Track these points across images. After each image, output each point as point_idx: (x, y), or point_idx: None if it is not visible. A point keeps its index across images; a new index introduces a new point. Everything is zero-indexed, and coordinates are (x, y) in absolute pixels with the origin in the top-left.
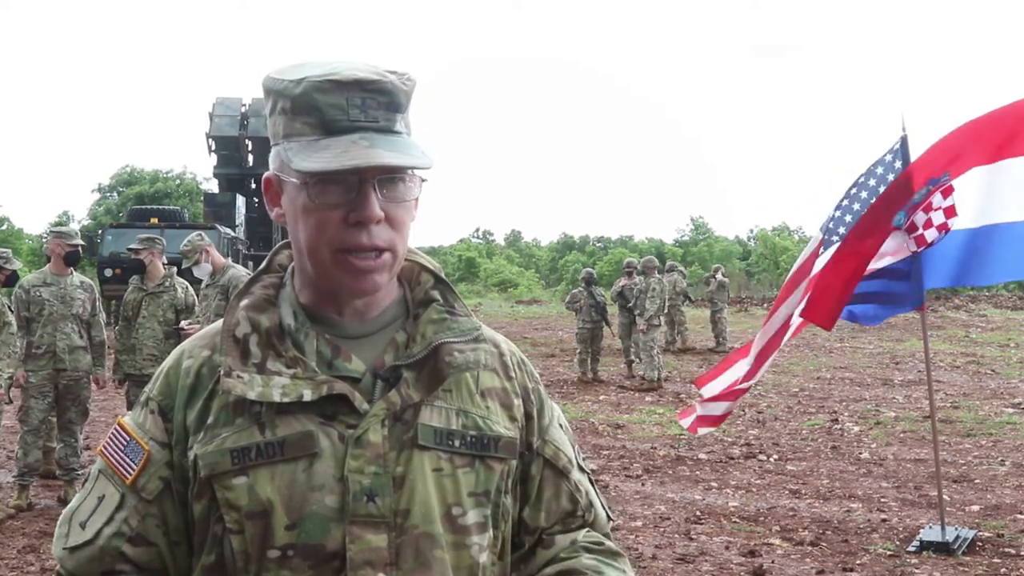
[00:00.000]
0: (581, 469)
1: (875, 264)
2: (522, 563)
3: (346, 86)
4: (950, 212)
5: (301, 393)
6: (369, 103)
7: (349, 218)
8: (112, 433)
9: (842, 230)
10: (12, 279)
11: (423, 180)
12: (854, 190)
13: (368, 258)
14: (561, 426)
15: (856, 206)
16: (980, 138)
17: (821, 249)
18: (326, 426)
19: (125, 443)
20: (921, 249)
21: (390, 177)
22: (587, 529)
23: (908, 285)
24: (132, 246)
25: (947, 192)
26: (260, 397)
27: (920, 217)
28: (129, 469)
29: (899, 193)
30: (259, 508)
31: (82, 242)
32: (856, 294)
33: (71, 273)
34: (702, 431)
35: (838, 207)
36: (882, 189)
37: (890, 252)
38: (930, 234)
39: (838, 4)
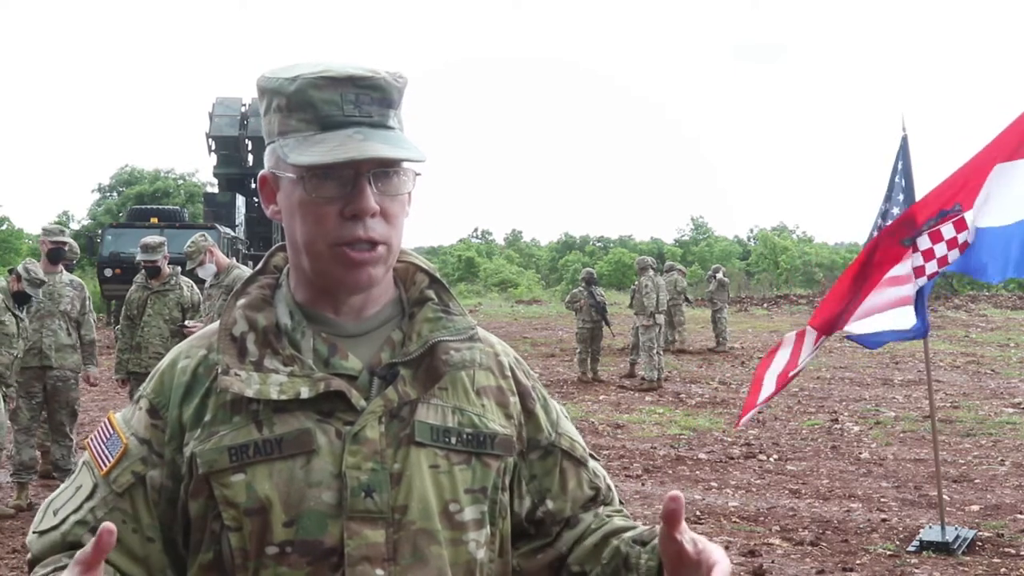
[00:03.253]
0: (593, 457)
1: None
2: (549, 547)
3: (340, 82)
4: (952, 244)
5: (298, 391)
6: (363, 99)
7: (345, 211)
8: (100, 426)
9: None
10: (24, 299)
11: (416, 174)
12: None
13: (364, 250)
14: (566, 417)
15: (879, 220)
16: (993, 157)
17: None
18: (323, 423)
19: (108, 436)
20: (919, 280)
21: (384, 171)
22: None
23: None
24: (144, 256)
25: (960, 226)
26: (258, 395)
27: (924, 242)
28: (106, 460)
29: (905, 226)
30: (257, 505)
31: (66, 239)
32: (863, 312)
33: (60, 271)
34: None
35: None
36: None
37: (896, 279)
38: (930, 266)
39: (835, 4)
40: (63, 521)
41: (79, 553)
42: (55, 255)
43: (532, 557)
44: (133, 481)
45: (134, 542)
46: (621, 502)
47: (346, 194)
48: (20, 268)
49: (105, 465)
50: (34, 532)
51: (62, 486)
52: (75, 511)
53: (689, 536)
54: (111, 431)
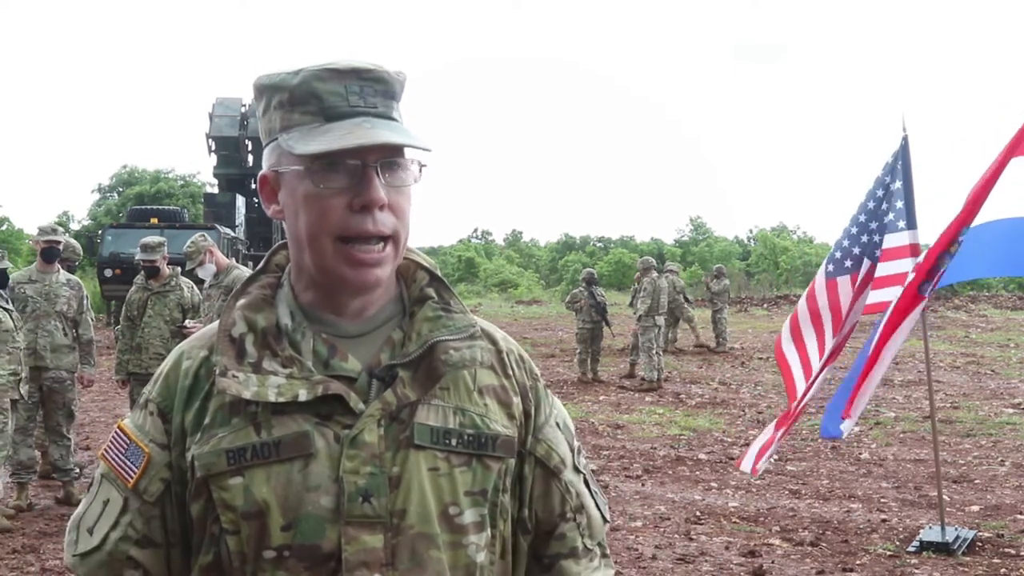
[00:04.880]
0: (576, 470)
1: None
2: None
3: (344, 74)
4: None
5: (297, 393)
6: (367, 90)
7: (353, 203)
8: (113, 436)
9: (856, 250)
10: (2, 278)
11: (423, 165)
12: (870, 203)
13: (371, 251)
14: (558, 425)
15: (872, 223)
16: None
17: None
18: (322, 426)
19: (126, 446)
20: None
21: (390, 162)
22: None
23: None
24: (143, 256)
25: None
26: (255, 397)
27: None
28: (131, 472)
29: (923, 271)
30: (255, 509)
31: (59, 238)
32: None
33: (57, 270)
34: (760, 465)
35: (853, 225)
36: (880, 193)
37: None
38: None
39: (835, 4)
40: (104, 540)
41: None
42: (49, 254)
43: None
44: (164, 489)
45: (165, 548)
46: (606, 520)
47: (354, 185)
48: None
49: (131, 476)
50: (74, 555)
51: (84, 501)
52: (113, 527)
53: None
54: (127, 441)
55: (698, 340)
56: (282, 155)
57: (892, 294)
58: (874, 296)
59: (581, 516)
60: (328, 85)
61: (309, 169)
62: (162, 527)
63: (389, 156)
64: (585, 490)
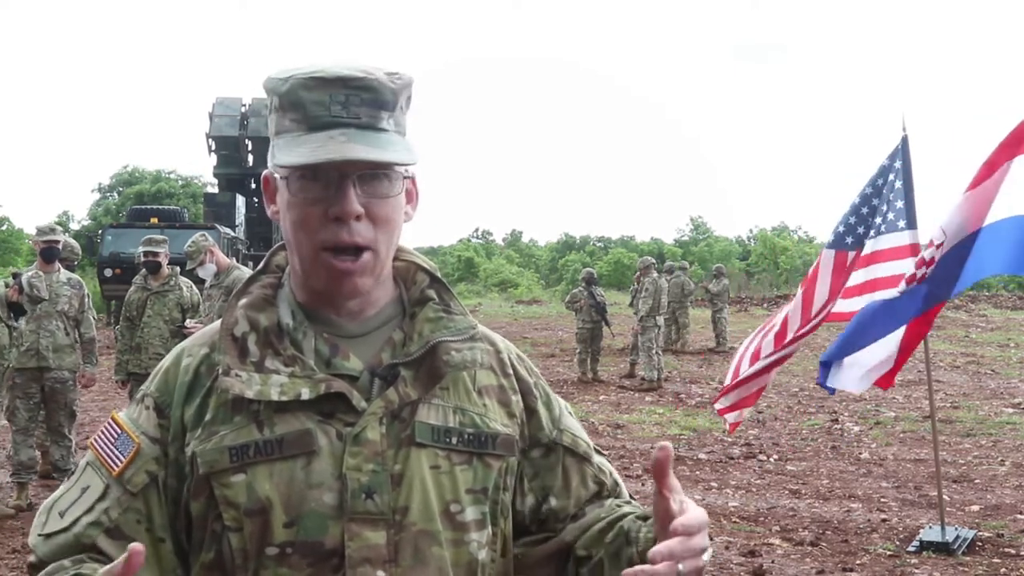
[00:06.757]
0: (599, 452)
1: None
2: (553, 536)
3: (330, 83)
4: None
5: (299, 391)
6: (353, 100)
7: (328, 213)
8: (104, 426)
9: (849, 240)
10: (20, 310)
11: (406, 177)
12: (860, 199)
13: (347, 260)
14: (570, 414)
15: (864, 209)
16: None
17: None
18: (324, 424)
19: (116, 436)
20: (911, 286)
21: (371, 173)
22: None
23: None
24: (146, 248)
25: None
26: (258, 396)
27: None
28: (117, 461)
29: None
30: (257, 506)
31: (58, 237)
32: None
33: (58, 270)
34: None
35: (849, 214)
36: (868, 191)
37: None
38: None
39: (835, 4)
40: (74, 523)
41: (104, 570)
42: (48, 254)
43: (535, 545)
44: (148, 481)
45: (147, 542)
46: (631, 497)
47: (329, 196)
48: (24, 280)
49: (117, 465)
50: (39, 535)
51: (62, 488)
52: (87, 512)
53: (679, 498)
54: (118, 431)
55: (676, 339)
56: (273, 159)
57: (890, 295)
58: (869, 297)
59: (618, 488)
60: (312, 94)
61: (286, 178)
62: (140, 521)
63: (366, 168)
64: (613, 468)
